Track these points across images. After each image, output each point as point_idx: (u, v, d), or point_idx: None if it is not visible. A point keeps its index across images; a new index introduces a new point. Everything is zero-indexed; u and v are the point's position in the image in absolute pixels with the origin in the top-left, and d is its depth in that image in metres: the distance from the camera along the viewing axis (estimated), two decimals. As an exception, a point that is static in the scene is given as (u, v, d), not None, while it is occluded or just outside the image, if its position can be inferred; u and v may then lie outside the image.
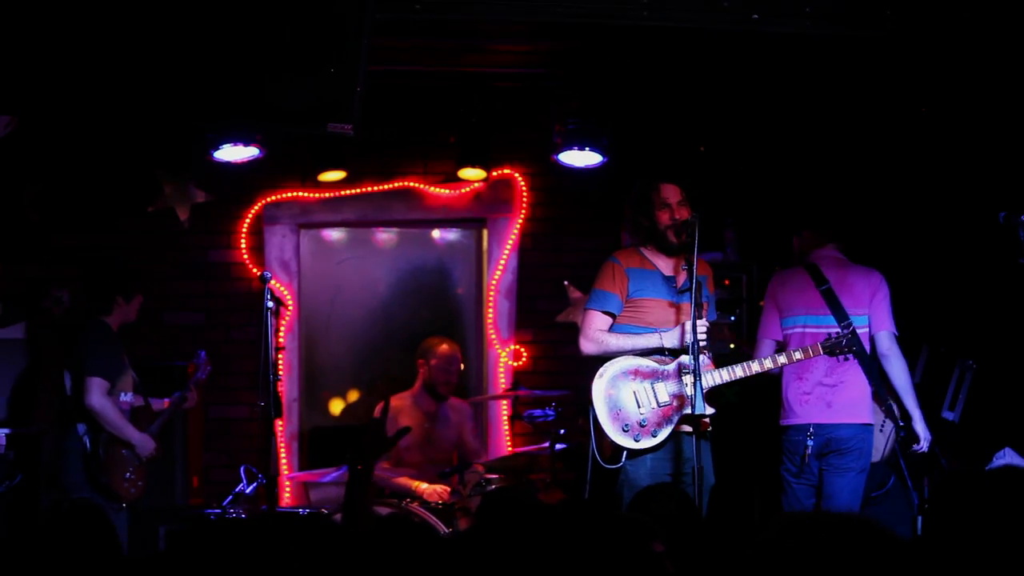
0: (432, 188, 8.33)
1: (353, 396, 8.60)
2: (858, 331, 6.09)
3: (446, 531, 6.46)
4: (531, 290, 8.38)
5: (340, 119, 5.32)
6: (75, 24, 5.01)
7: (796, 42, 6.42)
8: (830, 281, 6.24)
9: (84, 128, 7.59)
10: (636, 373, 5.63)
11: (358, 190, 8.25)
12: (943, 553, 2.75)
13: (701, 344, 5.51)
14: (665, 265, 5.82)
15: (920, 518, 6.47)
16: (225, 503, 6.66)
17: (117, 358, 6.56)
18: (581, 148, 7.58)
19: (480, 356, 8.43)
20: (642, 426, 5.58)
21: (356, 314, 8.55)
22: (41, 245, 7.84)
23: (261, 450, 6.37)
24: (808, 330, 6.15)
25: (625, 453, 5.59)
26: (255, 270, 7.99)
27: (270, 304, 5.98)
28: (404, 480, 7.07)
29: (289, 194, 8.21)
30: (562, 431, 6.76)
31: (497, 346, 8.31)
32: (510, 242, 8.35)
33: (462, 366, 7.65)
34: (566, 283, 8.23)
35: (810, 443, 6.06)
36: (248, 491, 6.72)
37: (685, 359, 5.57)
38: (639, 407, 5.59)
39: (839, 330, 5.92)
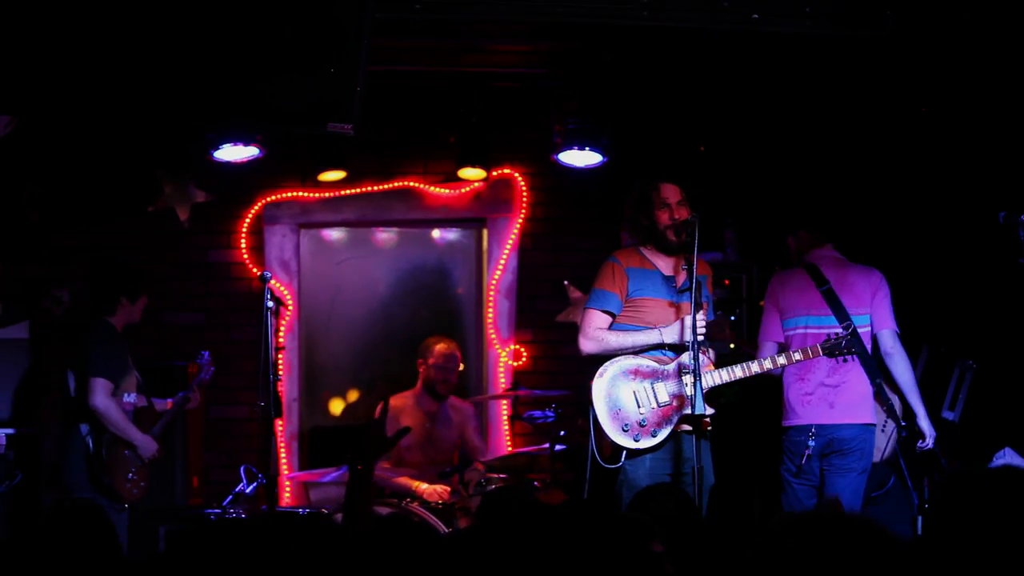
0: (432, 188, 8.33)
1: (353, 396, 8.60)
2: (860, 330, 6.10)
3: (446, 531, 6.46)
4: (531, 290, 8.38)
5: (340, 119, 5.32)
6: (75, 24, 5.01)
7: (796, 42, 6.42)
8: (830, 281, 6.24)
9: (84, 128, 7.59)
10: (636, 373, 5.63)
11: (358, 190, 8.25)
12: (944, 553, 2.75)
13: (700, 338, 5.50)
14: (665, 265, 5.82)
15: (920, 518, 6.47)
16: (225, 503, 6.66)
17: (121, 359, 6.56)
18: (581, 148, 7.58)
19: (480, 356, 8.43)
20: (642, 426, 5.58)
21: (356, 314, 8.55)
22: (41, 245, 7.84)
23: (261, 450, 6.38)
24: (810, 331, 6.14)
25: (624, 453, 5.59)
26: (255, 270, 7.99)
27: (270, 304, 5.99)
28: (404, 480, 7.07)
29: (289, 194, 8.21)
30: (562, 432, 6.76)
31: (497, 346, 8.31)
32: (510, 242, 8.35)
33: (462, 366, 7.65)
34: (566, 283, 8.23)
35: (812, 443, 6.06)
36: (248, 491, 6.72)
37: (685, 359, 5.57)
38: (639, 407, 5.59)
39: (840, 331, 5.92)
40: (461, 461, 7.25)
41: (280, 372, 7.74)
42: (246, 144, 7.37)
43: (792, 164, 7.74)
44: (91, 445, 6.42)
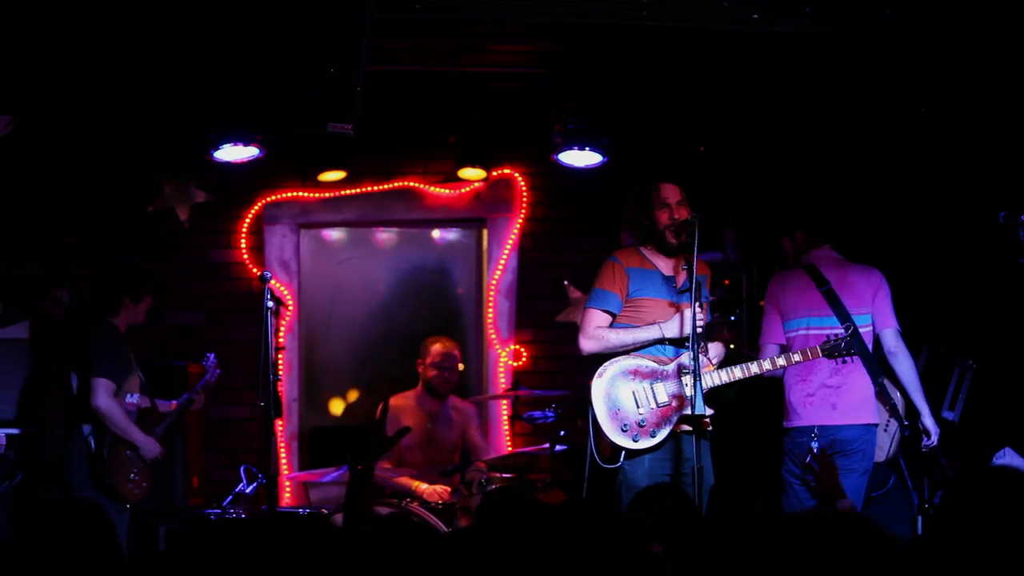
0: (432, 188, 8.33)
1: (353, 396, 8.60)
2: (861, 330, 6.10)
3: (446, 531, 6.46)
4: (531, 290, 8.39)
5: (340, 119, 5.32)
6: (75, 24, 5.01)
7: (796, 42, 6.42)
8: (831, 281, 6.24)
9: (84, 128, 7.59)
10: (635, 373, 5.63)
11: (358, 190, 8.25)
12: (945, 555, 2.75)
13: (699, 331, 5.50)
14: (665, 265, 5.82)
15: (920, 518, 6.47)
16: (225, 503, 6.66)
17: (123, 359, 6.55)
18: (581, 148, 7.59)
19: (480, 356, 8.43)
20: (641, 426, 5.58)
21: (356, 314, 8.55)
22: (41, 245, 7.84)
23: (261, 450, 6.38)
24: (812, 332, 6.13)
25: (623, 453, 5.59)
26: (255, 270, 7.99)
27: (270, 304, 5.99)
28: (404, 480, 7.07)
29: (289, 194, 8.21)
30: (562, 432, 6.76)
31: (497, 346, 8.31)
32: (510, 242, 8.35)
33: (462, 365, 7.65)
34: (566, 283, 8.23)
35: (814, 445, 6.05)
36: (248, 491, 6.72)
37: (685, 359, 5.57)
38: (638, 407, 5.59)
39: (840, 331, 5.91)
40: (462, 460, 7.25)
41: (280, 372, 7.74)
42: (246, 144, 7.38)
43: (792, 164, 7.74)
44: (93, 445, 6.42)
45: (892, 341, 6.21)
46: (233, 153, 7.45)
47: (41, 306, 7.61)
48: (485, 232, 8.43)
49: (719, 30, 6.11)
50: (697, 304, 5.53)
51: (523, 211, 8.37)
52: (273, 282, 6.48)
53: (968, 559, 2.72)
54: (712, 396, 5.64)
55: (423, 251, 8.65)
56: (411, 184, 8.31)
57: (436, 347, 7.46)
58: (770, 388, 6.40)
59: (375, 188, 8.28)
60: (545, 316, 8.32)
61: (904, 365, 6.22)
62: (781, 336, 6.28)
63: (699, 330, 5.52)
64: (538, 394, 7.31)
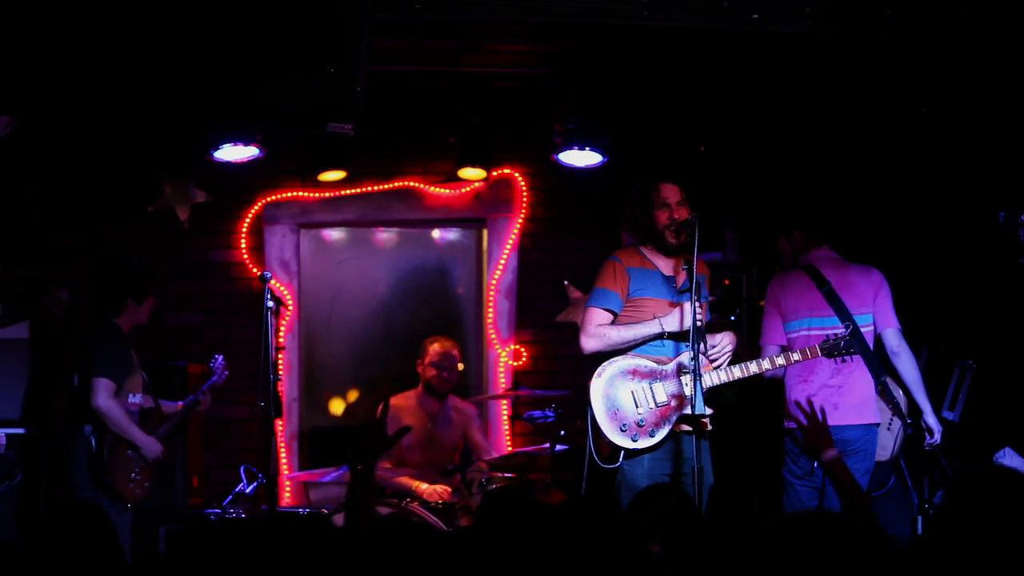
0: (432, 188, 8.33)
1: (353, 396, 8.60)
2: (863, 330, 6.09)
3: (446, 531, 6.46)
4: (531, 290, 8.39)
5: (340, 119, 5.32)
6: (75, 24, 5.01)
7: (796, 42, 6.42)
8: (831, 282, 6.24)
9: (84, 128, 7.59)
10: (634, 373, 5.63)
11: (358, 190, 8.25)
12: (946, 554, 2.75)
13: (699, 324, 5.50)
14: (665, 265, 5.82)
15: (920, 518, 6.47)
16: (225, 503, 6.66)
17: (125, 359, 6.54)
18: (581, 148, 7.59)
19: (480, 356, 8.44)
20: (640, 426, 5.58)
21: (356, 314, 8.55)
22: (41, 245, 7.84)
23: (261, 450, 6.38)
24: (813, 332, 6.13)
25: (622, 453, 5.59)
26: (255, 270, 7.99)
27: (270, 304, 5.99)
28: (404, 480, 7.07)
29: (289, 194, 8.21)
30: (562, 432, 6.76)
31: (497, 346, 8.31)
32: (510, 242, 8.35)
33: (461, 365, 7.66)
34: (566, 283, 8.23)
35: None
36: (248, 491, 6.72)
37: (684, 359, 5.57)
38: (637, 407, 5.59)
39: (840, 331, 5.91)
40: (463, 460, 7.25)
41: (280, 372, 7.74)
42: (246, 144, 7.38)
43: (792, 164, 7.74)
44: (93, 445, 6.42)
45: (895, 341, 6.22)
46: (233, 153, 7.45)
47: (41, 306, 7.61)
48: (485, 232, 8.43)
49: (719, 30, 6.11)
50: (697, 302, 5.53)
51: (523, 211, 8.38)
52: (273, 282, 6.47)
53: (968, 559, 2.72)
54: (712, 396, 5.64)
55: (423, 251, 8.65)
56: (411, 184, 8.31)
57: (435, 347, 7.47)
58: (770, 388, 6.40)
59: (375, 188, 8.28)
60: (545, 316, 8.32)
61: (907, 364, 6.23)
62: (782, 337, 6.28)
63: (700, 324, 5.52)
64: (538, 394, 7.31)
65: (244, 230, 8.16)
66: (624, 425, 5.57)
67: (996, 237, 5.95)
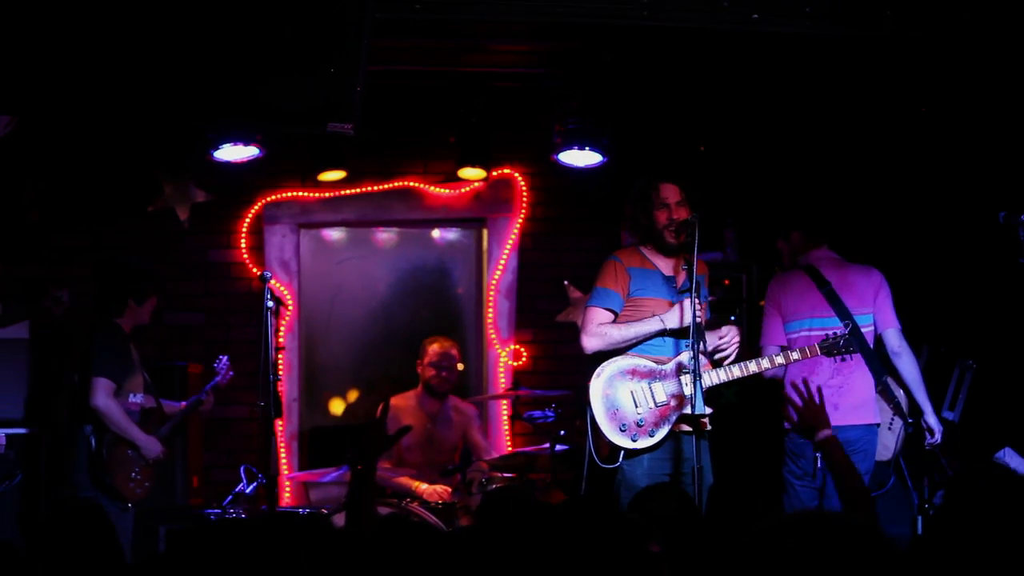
0: (432, 188, 8.33)
1: (353, 396, 8.60)
2: (863, 330, 6.09)
3: (446, 531, 6.46)
4: (531, 290, 8.39)
5: (340, 119, 5.32)
6: (75, 24, 5.01)
7: (796, 42, 6.43)
8: (831, 282, 6.24)
9: (84, 128, 7.59)
10: (634, 373, 5.63)
11: (358, 190, 8.25)
12: (946, 554, 2.75)
13: (698, 323, 5.50)
14: (665, 265, 5.82)
15: (920, 518, 6.47)
16: (225, 503, 6.66)
17: (126, 359, 6.53)
18: (581, 148, 7.59)
19: (480, 356, 8.44)
20: (639, 426, 5.58)
21: (356, 314, 8.55)
22: (41, 245, 7.84)
23: (261, 450, 6.37)
24: (813, 333, 6.13)
25: (622, 453, 5.59)
26: (255, 270, 7.99)
27: (270, 304, 5.99)
28: (404, 480, 7.07)
29: (289, 194, 8.21)
30: (562, 432, 6.76)
31: (497, 346, 8.31)
32: (510, 242, 8.35)
33: (461, 365, 7.66)
34: (566, 283, 8.23)
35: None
36: (248, 491, 6.72)
37: (684, 358, 5.57)
38: (636, 407, 5.59)
39: (840, 330, 5.91)
40: (463, 460, 7.25)
41: (280, 372, 7.74)
42: (246, 144, 7.38)
43: (792, 164, 7.75)
44: (93, 445, 6.42)
45: (895, 341, 6.22)
46: (233, 153, 7.45)
47: (41, 306, 7.61)
48: (485, 232, 8.43)
49: (719, 30, 6.11)
50: (697, 301, 5.53)
51: (523, 211, 8.38)
52: (273, 282, 6.47)
53: (968, 559, 2.72)
54: (712, 395, 5.64)
55: (423, 251, 8.65)
56: (411, 184, 8.31)
57: (434, 347, 7.47)
58: (770, 388, 6.40)
59: (375, 188, 8.28)
60: (545, 316, 8.33)
61: (908, 364, 6.23)
62: (782, 337, 6.28)
63: (700, 321, 5.52)
64: (538, 394, 7.31)
65: (244, 230, 8.16)
66: (624, 425, 5.57)
67: (996, 237, 5.95)
